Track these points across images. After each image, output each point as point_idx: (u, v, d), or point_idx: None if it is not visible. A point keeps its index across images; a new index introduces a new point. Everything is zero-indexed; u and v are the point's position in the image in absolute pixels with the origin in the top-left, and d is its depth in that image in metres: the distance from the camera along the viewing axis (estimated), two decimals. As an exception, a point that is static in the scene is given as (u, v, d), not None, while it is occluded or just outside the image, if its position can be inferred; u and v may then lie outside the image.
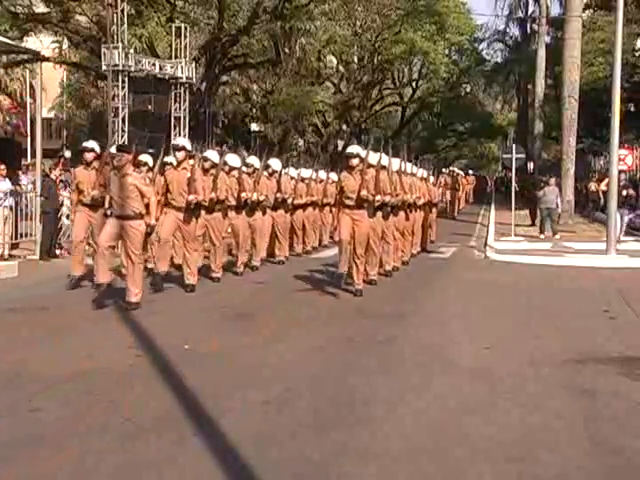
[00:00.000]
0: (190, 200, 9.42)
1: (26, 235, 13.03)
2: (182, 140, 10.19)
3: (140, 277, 8.33)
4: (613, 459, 4.10)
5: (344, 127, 39.65)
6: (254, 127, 36.48)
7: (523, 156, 19.67)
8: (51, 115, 34.01)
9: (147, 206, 8.29)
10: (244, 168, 11.54)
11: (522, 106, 44.68)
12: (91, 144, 10.11)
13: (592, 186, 23.98)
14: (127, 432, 4.35)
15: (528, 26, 42.70)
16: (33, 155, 15.00)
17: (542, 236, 17.90)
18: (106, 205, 8.70)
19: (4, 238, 12.34)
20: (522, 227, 19.72)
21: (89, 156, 9.83)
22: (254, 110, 34.97)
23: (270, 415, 4.75)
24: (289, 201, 13.22)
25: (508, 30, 44.94)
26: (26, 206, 13.13)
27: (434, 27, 35.00)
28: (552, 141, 37.25)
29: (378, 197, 9.43)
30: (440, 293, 10.26)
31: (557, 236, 17.72)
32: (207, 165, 10.23)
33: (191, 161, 10.04)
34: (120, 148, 8.59)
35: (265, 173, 12.15)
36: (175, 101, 23.45)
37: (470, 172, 39.41)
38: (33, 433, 4.36)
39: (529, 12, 42.73)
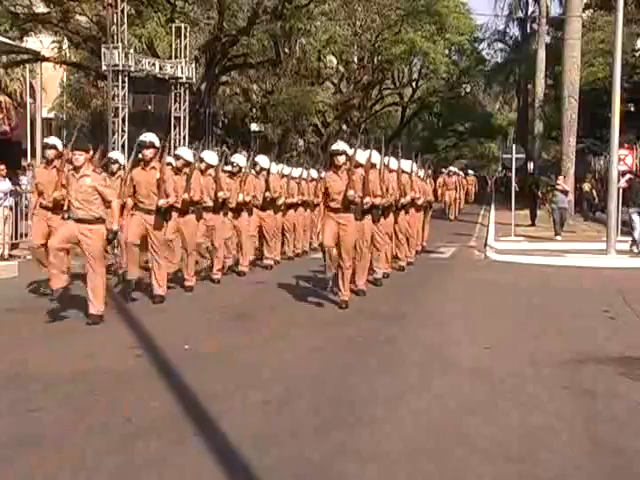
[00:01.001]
0: (161, 205, 8.59)
1: (26, 235, 13.00)
2: (150, 136, 9.02)
3: (101, 287, 7.46)
4: (613, 459, 4.10)
5: (344, 127, 39.64)
6: (254, 127, 36.46)
7: (523, 156, 19.69)
8: (51, 115, 33.97)
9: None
10: (228, 167, 11.01)
11: (522, 106, 44.64)
12: (52, 140, 9.16)
13: (585, 186, 24.09)
14: (127, 432, 4.36)
15: (528, 26, 42.74)
16: (33, 155, 14.98)
17: (559, 237, 17.71)
18: (65, 208, 7.80)
19: (4, 238, 12.34)
20: (522, 227, 19.71)
21: (50, 153, 8.81)
22: (254, 110, 34.97)
23: (270, 415, 4.75)
24: (280, 201, 12.41)
25: (508, 30, 45.08)
26: (26, 206, 13.11)
27: (434, 27, 35.09)
28: (552, 141, 37.21)
29: (367, 199, 8.57)
30: (440, 293, 10.26)
31: (559, 237, 17.69)
32: (180, 164, 9.53)
33: (170, 159, 9.40)
34: (77, 146, 7.65)
35: (253, 171, 11.54)
36: (175, 101, 23.50)
37: (470, 172, 39.34)
38: (33, 433, 4.36)
39: (529, 12, 42.78)
